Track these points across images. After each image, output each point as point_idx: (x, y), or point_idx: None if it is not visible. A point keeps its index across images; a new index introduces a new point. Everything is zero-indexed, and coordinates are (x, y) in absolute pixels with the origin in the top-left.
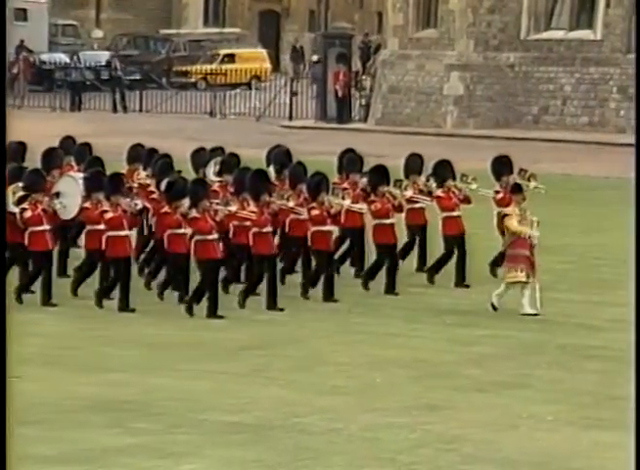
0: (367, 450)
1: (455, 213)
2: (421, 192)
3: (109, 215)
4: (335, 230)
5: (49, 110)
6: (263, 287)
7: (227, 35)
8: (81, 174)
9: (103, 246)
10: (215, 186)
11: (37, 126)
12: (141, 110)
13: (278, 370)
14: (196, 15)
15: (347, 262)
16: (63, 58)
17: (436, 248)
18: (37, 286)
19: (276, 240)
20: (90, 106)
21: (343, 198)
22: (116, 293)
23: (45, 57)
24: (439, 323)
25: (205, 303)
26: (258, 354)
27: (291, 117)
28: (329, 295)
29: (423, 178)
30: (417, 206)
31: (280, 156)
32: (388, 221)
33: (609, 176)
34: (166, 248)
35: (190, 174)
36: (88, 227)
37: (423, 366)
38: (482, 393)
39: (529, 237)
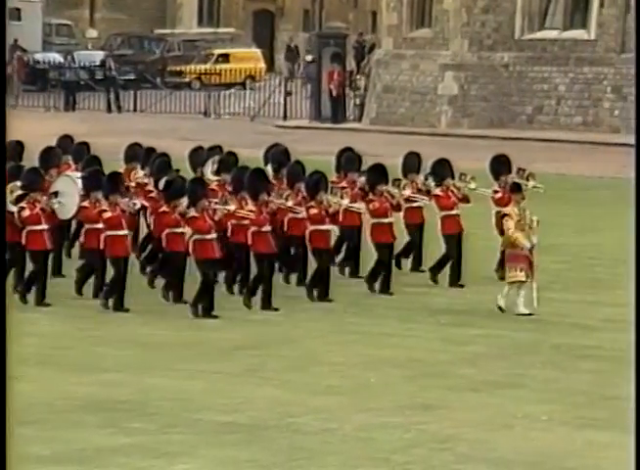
0: (361, 450)
1: (454, 212)
2: (419, 191)
3: (107, 215)
4: (335, 229)
5: (43, 109)
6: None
7: (221, 35)
8: (79, 174)
9: (101, 245)
10: (213, 185)
11: (31, 126)
12: (135, 109)
13: (272, 370)
14: (190, 15)
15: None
16: (57, 57)
17: (434, 247)
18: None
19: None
20: (84, 106)
21: (342, 197)
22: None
23: (39, 56)
24: (434, 323)
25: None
26: (253, 354)
27: (285, 117)
28: (324, 294)
29: (421, 177)
30: (415, 205)
31: (278, 154)
32: (386, 220)
33: (603, 176)
34: (164, 247)
35: (187, 173)
36: (87, 226)
37: (417, 366)
38: (477, 392)
39: (523, 248)
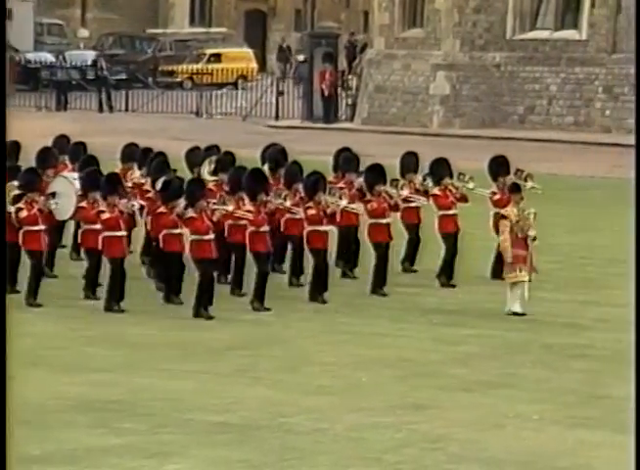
0: (353, 450)
1: (451, 212)
2: (417, 191)
3: (105, 216)
4: (332, 230)
5: (35, 109)
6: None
7: (213, 35)
8: (76, 174)
9: (99, 246)
10: (211, 185)
11: (23, 126)
12: (127, 109)
13: (264, 370)
14: (182, 14)
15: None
16: (48, 57)
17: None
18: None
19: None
20: (76, 105)
21: (340, 197)
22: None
23: (31, 56)
24: (425, 323)
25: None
26: (244, 354)
27: (277, 117)
28: (317, 295)
29: (420, 177)
30: (413, 205)
31: (275, 154)
32: (384, 221)
33: (594, 176)
34: (162, 248)
35: (183, 173)
36: (84, 227)
37: (408, 366)
38: (468, 392)
39: (509, 258)
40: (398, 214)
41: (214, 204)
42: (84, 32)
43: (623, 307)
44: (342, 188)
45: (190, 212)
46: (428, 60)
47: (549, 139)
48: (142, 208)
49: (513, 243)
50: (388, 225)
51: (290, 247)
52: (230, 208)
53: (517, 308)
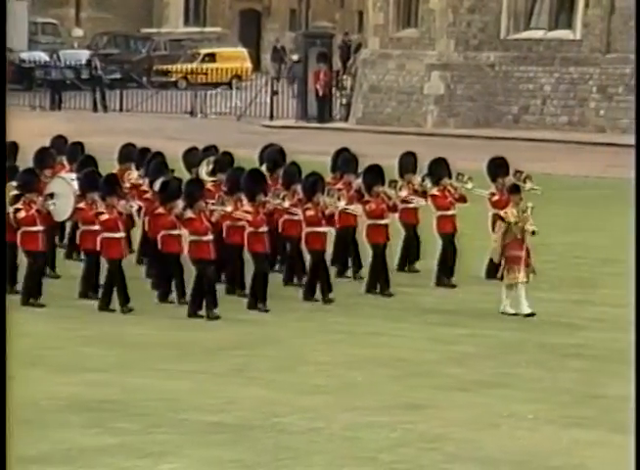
0: (348, 450)
1: (450, 213)
2: (416, 192)
3: (104, 217)
4: (331, 231)
5: (29, 109)
6: (258, 288)
7: (208, 34)
8: (73, 175)
9: (98, 247)
10: (209, 185)
11: (17, 125)
12: (121, 109)
13: (258, 370)
14: (176, 14)
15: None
16: (42, 56)
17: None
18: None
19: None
20: (70, 105)
21: (339, 199)
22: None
23: (25, 55)
24: (421, 322)
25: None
26: (239, 354)
27: (272, 117)
28: (312, 295)
29: (419, 178)
30: (411, 205)
31: (273, 154)
32: (382, 222)
33: (588, 176)
34: (160, 248)
35: (180, 173)
36: (83, 228)
37: (404, 365)
38: (464, 392)
39: (496, 257)
40: (397, 215)
41: (213, 204)
42: (78, 32)
43: (618, 307)
44: (340, 189)
45: (189, 213)
46: (422, 60)
47: (543, 139)
48: (140, 209)
49: (510, 244)
50: (386, 226)
51: (288, 247)
52: (229, 208)
53: (508, 309)
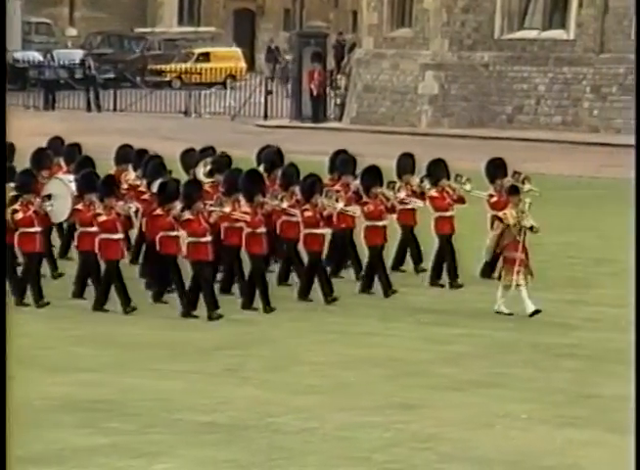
0: (342, 450)
1: (448, 214)
2: (414, 193)
3: (102, 218)
4: (327, 232)
5: (22, 108)
6: (254, 288)
7: (202, 34)
8: (71, 176)
9: (96, 248)
10: (206, 187)
11: (11, 125)
12: (115, 109)
13: (252, 370)
14: (170, 13)
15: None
16: (36, 56)
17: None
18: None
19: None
20: (64, 104)
21: (337, 200)
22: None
23: (18, 55)
24: (415, 322)
25: (187, 303)
26: (233, 354)
27: (266, 117)
28: (307, 295)
29: (417, 179)
30: (409, 207)
31: (270, 155)
32: (380, 223)
33: (582, 175)
34: (158, 250)
35: (177, 174)
36: (80, 229)
37: (398, 365)
38: (458, 391)
39: (488, 255)
40: (394, 216)
41: (211, 205)
42: (72, 31)
43: (612, 307)
44: (338, 191)
45: (187, 214)
46: (416, 59)
47: (537, 139)
48: (137, 210)
49: (509, 245)
50: (384, 228)
51: (284, 248)
52: (227, 209)
53: (503, 308)
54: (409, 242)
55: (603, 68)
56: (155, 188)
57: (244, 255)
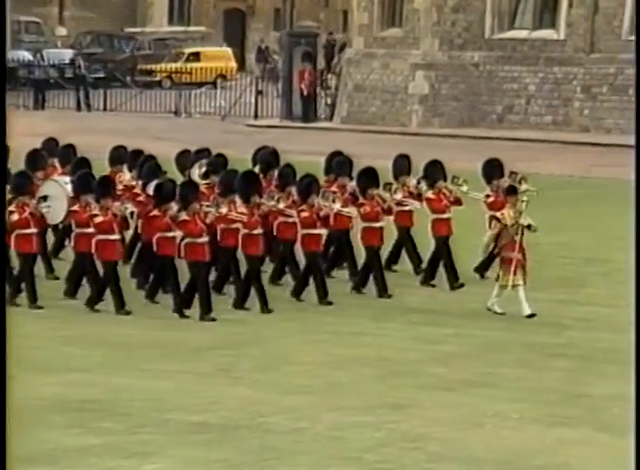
0: (332, 450)
1: (445, 216)
2: (411, 195)
3: (98, 220)
4: (324, 232)
5: (12, 108)
6: (250, 288)
7: (192, 34)
8: (66, 178)
9: (93, 249)
10: (202, 188)
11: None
12: (105, 108)
13: (243, 370)
14: (160, 13)
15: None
16: (26, 55)
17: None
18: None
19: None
20: (54, 104)
21: (334, 201)
22: (96, 293)
23: (8, 54)
24: (406, 322)
25: (187, 303)
26: (225, 354)
27: (256, 117)
28: (299, 295)
29: (414, 181)
30: (406, 208)
31: (266, 156)
32: (377, 225)
33: (573, 175)
34: (155, 251)
35: (172, 175)
36: (77, 230)
37: (388, 365)
38: (448, 391)
39: (485, 253)
40: (391, 218)
41: (207, 207)
42: (62, 31)
43: (604, 307)
44: (334, 192)
45: (183, 215)
46: (407, 59)
47: (527, 138)
48: (133, 212)
49: (506, 245)
50: (381, 229)
51: (280, 249)
52: (224, 210)
53: (496, 308)
54: (405, 243)
55: (593, 68)
56: (150, 189)
57: (240, 255)
